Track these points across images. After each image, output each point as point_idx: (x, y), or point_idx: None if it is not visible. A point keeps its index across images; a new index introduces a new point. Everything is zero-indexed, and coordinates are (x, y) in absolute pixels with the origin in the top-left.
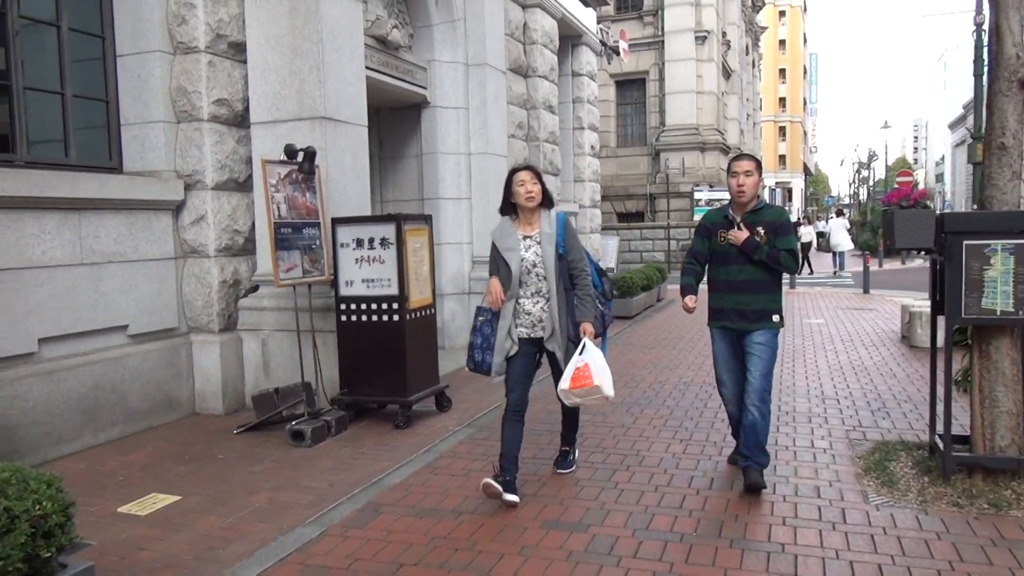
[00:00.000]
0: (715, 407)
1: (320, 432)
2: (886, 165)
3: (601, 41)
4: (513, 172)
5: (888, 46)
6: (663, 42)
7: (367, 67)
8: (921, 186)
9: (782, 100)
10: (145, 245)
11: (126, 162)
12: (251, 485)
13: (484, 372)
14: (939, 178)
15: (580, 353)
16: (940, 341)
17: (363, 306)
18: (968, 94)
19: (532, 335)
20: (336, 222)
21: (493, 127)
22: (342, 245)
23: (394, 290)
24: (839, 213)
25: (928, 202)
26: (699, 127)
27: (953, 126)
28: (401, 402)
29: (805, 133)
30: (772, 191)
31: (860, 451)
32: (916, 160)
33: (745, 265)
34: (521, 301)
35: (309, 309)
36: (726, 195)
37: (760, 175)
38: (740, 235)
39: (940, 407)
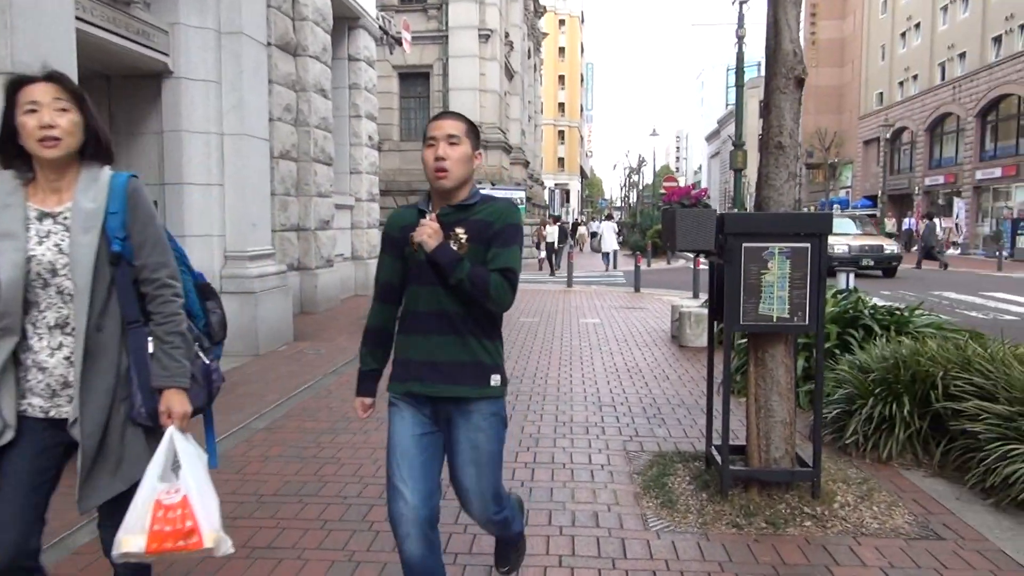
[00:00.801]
0: None
1: None
2: (654, 170)
3: (382, 29)
4: (18, 83)
5: (657, 59)
6: (447, 37)
7: (82, 19)
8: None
9: (561, 105)
10: None
11: None
12: None
13: None
14: (696, 185)
15: (165, 467)
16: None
17: None
18: (721, 111)
19: (51, 412)
20: None
21: (251, 105)
22: None
23: None
24: (608, 217)
25: (708, 201)
26: (482, 125)
27: (709, 138)
28: None
29: (582, 138)
30: (552, 192)
31: (638, 465)
32: (678, 168)
33: (439, 289)
34: (29, 342)
35: None
36: (508, 193)
37: (476, 146)
38: (425, 230)
39: (717, 421)
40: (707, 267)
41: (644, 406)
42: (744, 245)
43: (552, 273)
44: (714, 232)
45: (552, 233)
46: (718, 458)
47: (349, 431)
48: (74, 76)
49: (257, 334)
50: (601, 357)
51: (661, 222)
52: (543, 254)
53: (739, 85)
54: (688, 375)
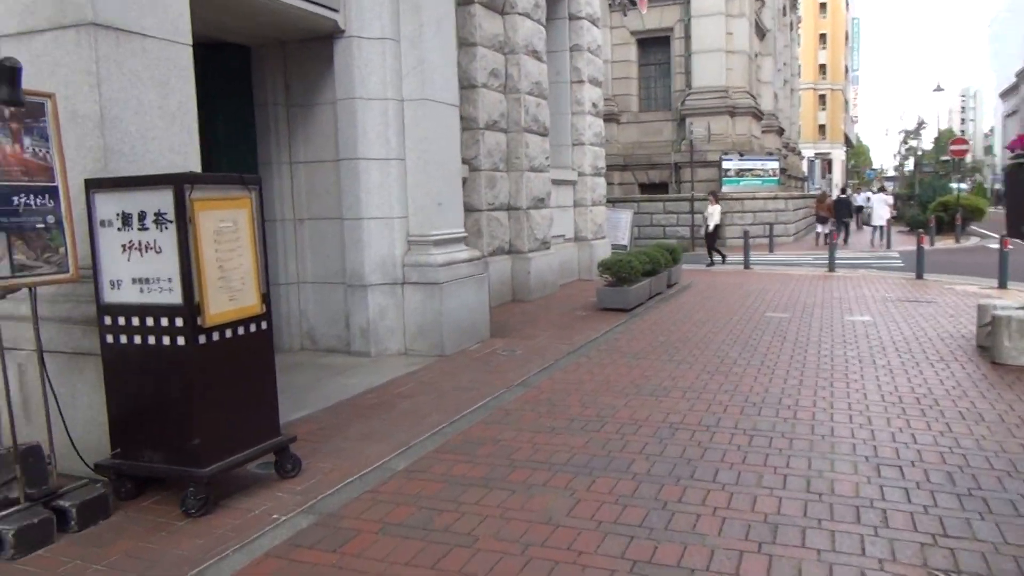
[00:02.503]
0: (709, 474)
1: (35, 532)
2: (938, 132)
3: None
4: None
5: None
6: None
7: None
8: (969, 159)
9: (822, 67)
10: None
11: None
12: None
13: None
14: (988, 150)
15: None
16: None
17: (135, 320)
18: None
19: None
20: (93, 186)
21: (435, 65)
22: (103, 223)
23: (177, 297)
24: (881, 189)
25: None
26: (728, 89)
27: (1005, 95)
28: (190, 476)
29: (846, 102)
30: (811, 162)
31: None
32: (963, 131)
33: None
34: None
35: (33, 320)
36: (759, 164)
37: None
38: None
39: None
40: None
41: (950, 470)
42: None
43: (710, 264)
44: None
45: (714, 214)
46: None
47: (507, 486)
48: (187, 33)
49: (442, 331)
50: (876, 376)
51: (1006, 183)
52: (824, 228)
53: None
54: (1016, 413)
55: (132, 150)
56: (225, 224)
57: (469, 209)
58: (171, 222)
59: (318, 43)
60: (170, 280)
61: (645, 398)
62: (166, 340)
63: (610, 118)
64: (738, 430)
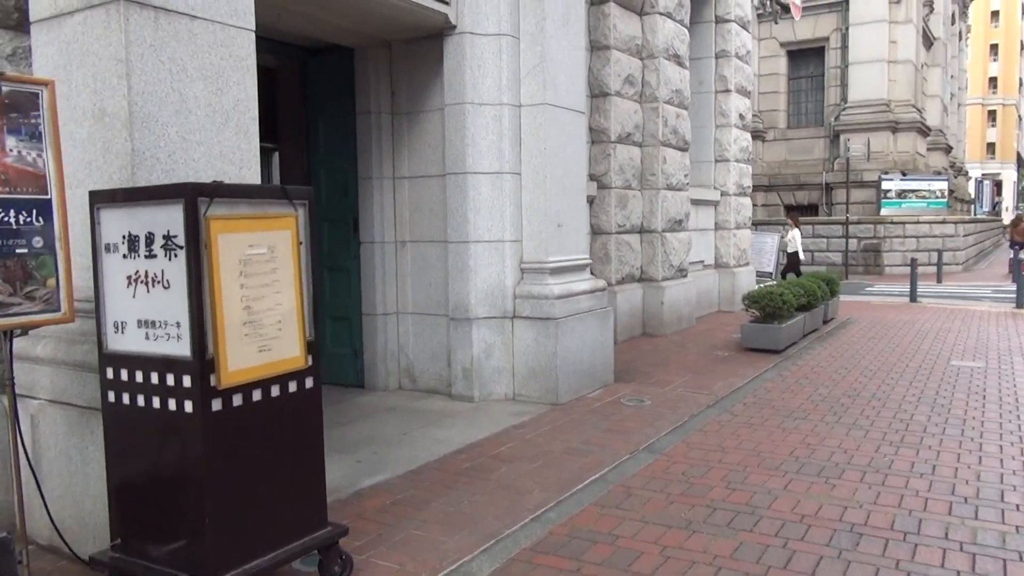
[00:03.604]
0: None
1: None
2: None
3: None
4: None
5: None
6: (847, 1)
7: None
8: None
9: (992, 80)
10: None
11: None
12: None
13: None
14: None
15: None
16: None
17: (139, 375)
18: None
19: None
20: (98, 200)
21: (558, 64)
22: (108, 248)
23: (184, 348)
24: None
25: None
26: (890, 103)
27: None
28: None
29: (1020, 118)
30: (979, 183)
31: None
32: None
33: None
34: None
35: (7, 367)
36: (924, 184)
37: None
38: None
39: None
40: None
41: None
42: None
43: None
44: None
45: (795, 239)
46: None
47: None
48: (249, 15)
49: (557, 375)
50: (1001, 464)
51: None
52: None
53: None
54: None
55: (170, 157)
56: (257, 251)
57: (596, 231)
58: (180, 247)
59: (427, 42)
60: (178, 325)
61: (811, 480)
62: (172, 403)
63: (755, 135)
64: (951, 543)
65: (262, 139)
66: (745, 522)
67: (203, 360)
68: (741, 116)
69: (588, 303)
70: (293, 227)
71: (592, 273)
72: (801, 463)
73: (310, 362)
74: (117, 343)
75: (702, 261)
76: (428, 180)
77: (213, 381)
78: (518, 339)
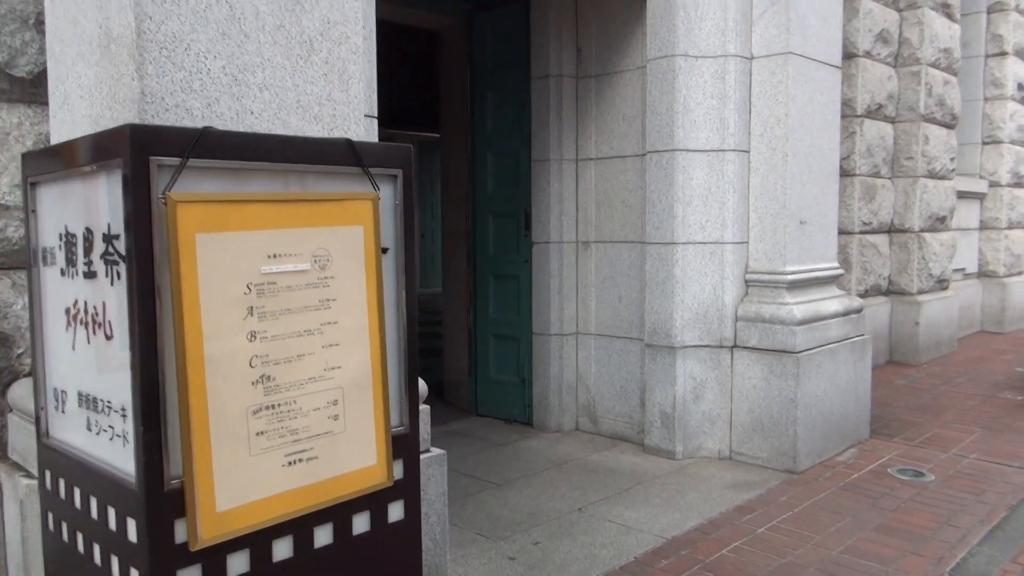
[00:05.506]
0: None
1: None
2: None
3: None
4: None
5: None
6: None
7: None
8: None
9: None
10: None
11: None
12: None
13: None
14: None
15: None
16: None
17: (77, 495)
18: None
19: None
20: (35, 168)
21: (804, 1)
22: (45, 256)
23: (128, 460)
24: None
25: None
26: None
27: None
28: None
29: None
30: None
31: None
32: None
33: None
34: None
35: None
36: None
37: None
38: None
39: None
40: None
41: None
42: None
43: None
44: None
45: None
46: None
47: None
48: None
49: (796, 429)
50: None
51: None
52: None
53: None
54: None
55: (209, 107)
56: (285, 267)
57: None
58: (122, 258)
59: None
60: (123, 412)
61: None
62: (115, 564)
63: None
64: None
65: (421, 118)
66: None
67: (157, 490)
68: (1020, 86)
69: (840, 329)
70: (369, 219)
71: (839, 287)
72: None
73: (395, 475)
74: (57, 430)
75: (963, 269)
76: (621, 162)
77: (180, 534)
78: (740, 377)
